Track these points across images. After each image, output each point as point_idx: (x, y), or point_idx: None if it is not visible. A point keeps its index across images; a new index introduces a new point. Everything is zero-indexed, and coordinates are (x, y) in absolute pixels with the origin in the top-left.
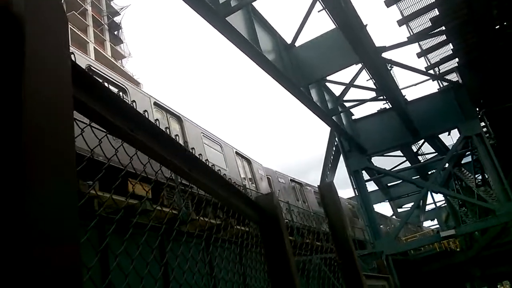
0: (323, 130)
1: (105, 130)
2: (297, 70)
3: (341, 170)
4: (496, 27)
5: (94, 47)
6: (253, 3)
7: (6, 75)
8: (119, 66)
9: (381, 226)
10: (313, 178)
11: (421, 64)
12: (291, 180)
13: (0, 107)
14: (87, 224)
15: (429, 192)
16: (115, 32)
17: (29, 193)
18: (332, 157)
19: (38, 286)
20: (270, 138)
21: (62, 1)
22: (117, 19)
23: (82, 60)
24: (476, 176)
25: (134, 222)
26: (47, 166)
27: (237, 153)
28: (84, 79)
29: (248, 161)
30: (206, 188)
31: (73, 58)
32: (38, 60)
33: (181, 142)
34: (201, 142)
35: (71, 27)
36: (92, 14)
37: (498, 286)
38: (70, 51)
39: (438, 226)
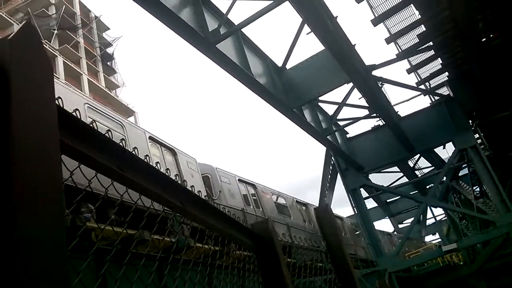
0: (319, 150)
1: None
2: (289, 92)
3: (339, 188)
4: (483, 40)
5: (87, 78)
6: (242, 29)
7: None
8: (113, 96)
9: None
10: (312, 198)
11: (412, 79)
12: (239, 180)
13: None
14: (86, 257)
15: (428, 207)
16: (108, 63)
17: (21, 241)
18: (329, 177)
19: None
20: (266, 159)
21: (54, 35)
22: (109, 50)
23: (79, 98)
24: (474, 188)
25: (133, 252)
26: (37, 212)
27: (153, 139)
28: (70, 122)
29: (172, 151)
30: (200, 221)
31: (79, 92)
32: (23, 108)
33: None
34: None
35: (64, 60)
36: (85, 46)
37: None
38: (67, 86)
39: (439, 240)
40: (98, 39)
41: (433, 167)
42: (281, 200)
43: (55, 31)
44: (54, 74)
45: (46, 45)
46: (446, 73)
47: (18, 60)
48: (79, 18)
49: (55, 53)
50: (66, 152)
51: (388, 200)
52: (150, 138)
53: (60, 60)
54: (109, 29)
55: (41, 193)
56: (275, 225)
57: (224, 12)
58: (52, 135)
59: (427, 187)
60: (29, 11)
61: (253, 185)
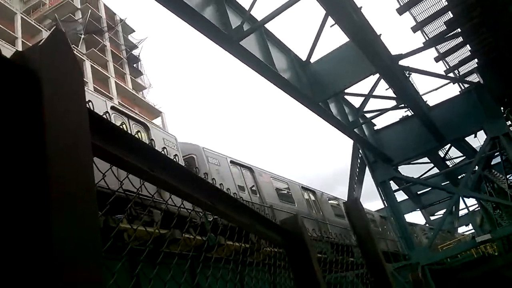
0: (347, 141)
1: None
2: (314, 86)
3: (368, 181)
4: None
5: (115, 81)
6: (265, 25)
7: (27, 131)
8: (140, 98)
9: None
10: (340, 191)
11: (440, 68)
12: (231, 162)
13: (25, 160)
14: (120, 257)
15: (460, 197)
16: (134, 65)
17: (57, 242)
18: (357, 170)
19: None
20: (294, 152)
21: (81, 39)
22: (135, 52)
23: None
24: (508, 176)
25: (165, 252)
26: (72, 215)
27: (116, 110)
28: (102, 125)
29: (145, 126)
30: (230, 218)
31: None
32: (55, 114)
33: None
34: None
35: (92, 63)
36: (111, 49)
37: None
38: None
39: (473, 231)
40: (124, 42)
41: (464, 157)
42: (283, 186)
43: (82, 36)
44: (83, 78)
45: (74, 50)
46: (476, 60)
47: (48, 66)
48: (105, 21)
49: (82, 58)
50: (98, 155)
51: (419, 192)
52: (113, 108)
53: (88, 64)
54: (134, 31)
55: (75, 195)
56: (276, 213)
57: (247, 9)
58: (84, 138)
59: (459, 177)
60: (57, 17)
61: (249, 168)
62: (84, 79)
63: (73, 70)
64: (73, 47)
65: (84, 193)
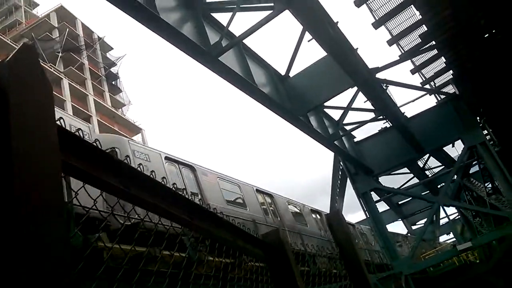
0: (327, 153)
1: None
2: (294, 100)
3: (350, 193)
4: (485, 36)
5: (93, 99)
6: (244, 40)
7: None
8: (120, 115)
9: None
10: (322, 204)
11: (416, 80)
12: (167, 158)
13: None
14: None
15: (441, 206)
16: (113, 82)
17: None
18: (339, 182)
19: None
20: (272, 164)
21: (59, 57)
22: (114, 69)
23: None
24: (486, 184)
25: (145, 270)
26: (39, 231)
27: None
28: (73, 142)
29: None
30: (209, 234)
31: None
32: (23, 129)
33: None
34: None
35: (70, 81)
36: (89, 67)
37: None
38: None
39: (454, 239)
40: (102, 59)
41: (443, 166)
42: (233, 188)
43: (60, 54)
44: (61, 96)
45: (51, 68)
46: (451, 71)
47: (16, 82)
48: (83, 39)
49: (60, 76)
50: (69, 172)
51: (400, 202)
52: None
53: (66, 82)
54: (112, 48)
55: (43, 214)
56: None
57: (225, 25)
58: (53, 155)
59: (438, 186)
60: (33, 36)
61: (191, 167)
62: (62, 97)
63: (42, 86)
64: (51, 65)
65: (53, 212)
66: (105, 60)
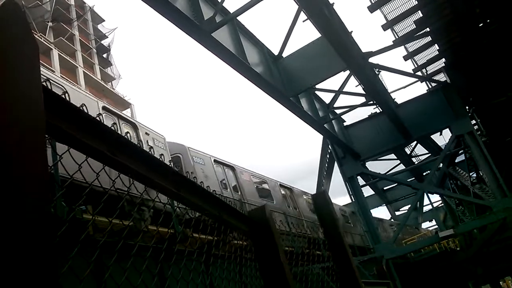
0: (315, 138)
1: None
2: (286, 81)
3: (337, 177)
4: (480, 25)
5: (83, 71)
6: (238, 18)
7: None
8: (109, 89)
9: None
10: (304, 186)
11: (409, 66)
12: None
13: None
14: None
15: (425, 193)
16: (104, 55)
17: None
18: (326, 165)
19: None
20: (261, 145)
21: (48, 27)
22: (105, 42)
23: None
24: (471, 174)
25: (129, 244)
26: (19, 188)
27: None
28: (59, 104)
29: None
30: (196, 207)
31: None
32: (7, 86)
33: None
34: None
35: (59, 52)
36: (80, 39)
37: (501, 282)
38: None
39: (436, 226)
40: (93, 31)
41: (429, 154)
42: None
43: (49, 24)
44: (50, 67)
45: (41, 38)
46: (443, 60)
47: (2, 38)
48: (74, 9)
49: (50, 46)
50: (53, 134)
51: (385, 188)
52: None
53: (55, 53)
54: (104, 20)
55: (26, 174)
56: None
57: (219, 0)
58: (38, 115)
59: (424, 174)
60: (23, 3)
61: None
62: (51, 68)
63: (28, 43)
64: (41, 35)
65: (36, 172)
66: (96, 32)
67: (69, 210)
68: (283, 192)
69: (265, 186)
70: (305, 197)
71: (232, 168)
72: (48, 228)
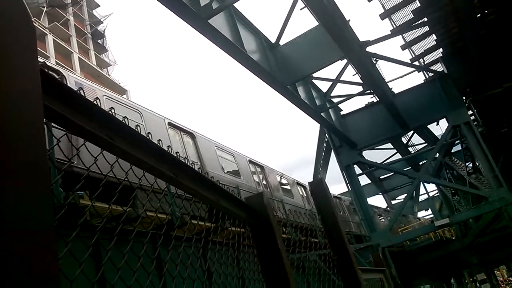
0: (310, 129)
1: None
2: (283, 69)
3: (334, 166)
4: (478, 16)
5: (78, 57)
6: (235, 4)
7: None
8: (105, 75)
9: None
10: (299, 176)
11: (406, 56)
12: (170, 124)
13: None
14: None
15: (421, 183)
16: (99, 41)
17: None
18: (323, 154)
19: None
20: (256, 135)
21: (43, 12)
22: (100, 27)
23: None
24: (467, 164)
25: (127, 230)
26: (18, 175)
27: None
28: (56, 87)
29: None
30: (194, 192)
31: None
32: (3, 71)
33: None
34: None
35: (54, 38)
36: (75, 24)
37: (495, 271)
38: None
39: (432, 216)
40: (89, 17)
41: (426, 144)
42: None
43: (45, 9)
44: (45, 52)
45: (36, 23)
46: (441, 50)
47: None
48: None
49: (45, 31)
50: (51, 118)
51: (381, 177)
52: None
53: (50, 38)
54: (99, 6)
55: (23, 160)
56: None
57: None
58: (36, 99)
59: (420, 163)
60: None
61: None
62: (46, 53)
63: (26, 27)
64: (35, 20)
65: (34, 157)
66: (92, 18)
67: (66, 196)
68: (252, 169)
69: (230, 158)
70: (278, 177)
71: (191, 135)
72: (49, 215)
